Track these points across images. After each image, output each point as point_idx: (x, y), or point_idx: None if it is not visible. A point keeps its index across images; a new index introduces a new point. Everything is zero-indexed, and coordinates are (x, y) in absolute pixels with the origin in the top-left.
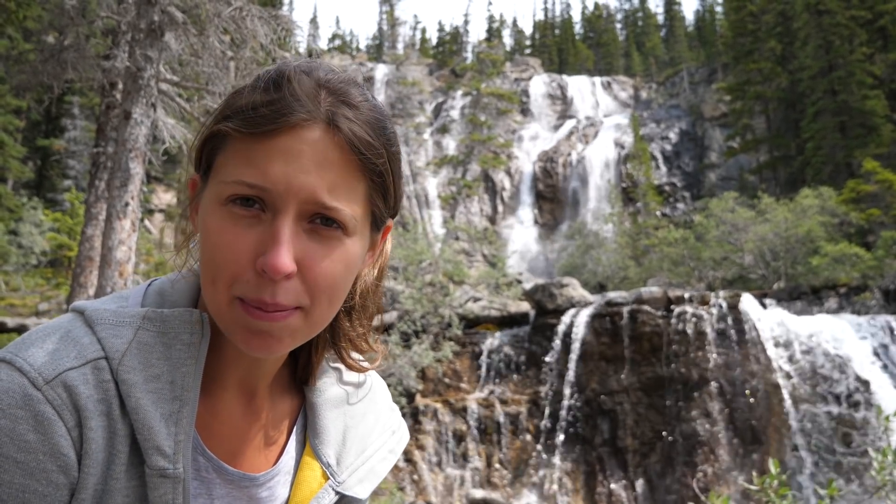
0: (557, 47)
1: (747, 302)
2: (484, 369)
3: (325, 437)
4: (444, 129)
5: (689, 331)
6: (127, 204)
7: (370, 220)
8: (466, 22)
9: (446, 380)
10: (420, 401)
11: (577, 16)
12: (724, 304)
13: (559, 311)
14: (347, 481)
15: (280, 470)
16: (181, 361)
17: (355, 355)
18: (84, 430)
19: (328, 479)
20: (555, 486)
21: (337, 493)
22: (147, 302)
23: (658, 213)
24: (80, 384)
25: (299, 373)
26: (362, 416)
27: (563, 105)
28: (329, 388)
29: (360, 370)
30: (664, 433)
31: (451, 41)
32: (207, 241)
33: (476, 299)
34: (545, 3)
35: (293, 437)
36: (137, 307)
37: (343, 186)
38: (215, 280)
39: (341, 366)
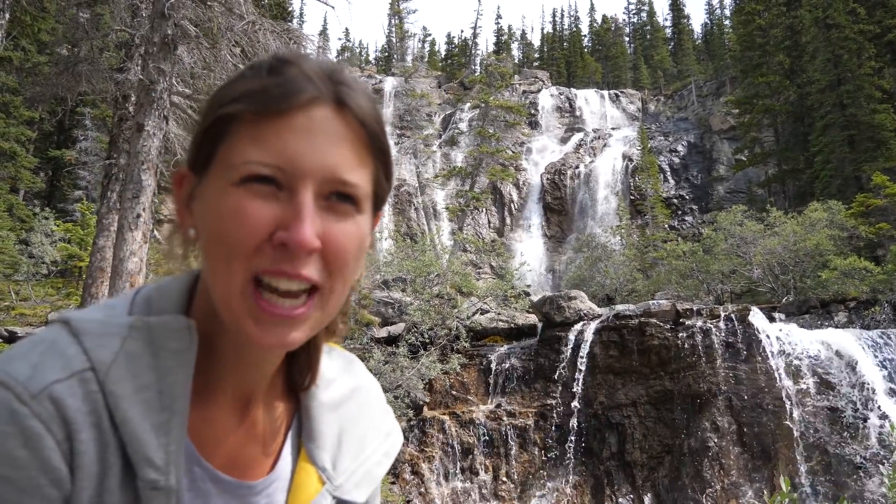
0: (566, 60)
1: (756, 315)
2: (492, 382)
3: (320, 442)
4: (452, 142)
5: (698, 344)
6: (139, 216)
7: (372, 202)
8: (475, 34)
9: (454, 392)
10: (427, 413)
11: (585, 29)
12: (733, 318)
13: (567, 324)
14: (344, 485)
15: (277, 477)
16: (169, 370)
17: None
18: (74, 443)
19: (324, 483)
20: (563, 500)
21: (334, 497)
22: (134, 310)
23: (666, 225)
24: (68, 397)
25: (296, 376)
26: (357, 418)
27: (571, 117)
28: (323, 391)
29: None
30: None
31: (460, 53)
32: (220, 222)
33: (484, 311)
34: (554, 16)
35: (288, 442)
36: (125, 316)
37: (356, 162)
38: (230, 258)
39: (333, 367)
